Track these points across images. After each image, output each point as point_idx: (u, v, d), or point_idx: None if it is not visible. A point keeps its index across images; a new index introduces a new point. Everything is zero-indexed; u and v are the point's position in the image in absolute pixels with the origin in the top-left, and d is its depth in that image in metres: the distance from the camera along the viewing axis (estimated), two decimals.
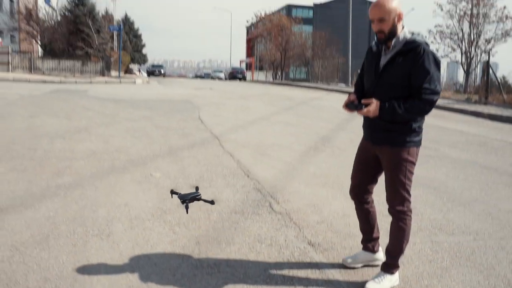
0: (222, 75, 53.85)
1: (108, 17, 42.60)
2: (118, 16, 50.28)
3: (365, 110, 2.52)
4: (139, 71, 59.01)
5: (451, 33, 29.50)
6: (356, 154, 2.91)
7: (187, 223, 3.56)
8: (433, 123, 10.77)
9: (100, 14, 37.28)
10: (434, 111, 9.04)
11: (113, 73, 30.82)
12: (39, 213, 3.64)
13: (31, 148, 6.07)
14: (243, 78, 45.99)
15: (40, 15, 32.05)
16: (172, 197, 3.17)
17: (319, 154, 6.59)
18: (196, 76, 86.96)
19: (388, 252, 2.74)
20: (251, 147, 6.85)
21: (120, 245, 3.11)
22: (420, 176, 5.46)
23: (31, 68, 27.35)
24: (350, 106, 2.61)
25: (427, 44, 2.51)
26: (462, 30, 29.29)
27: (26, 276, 2.60)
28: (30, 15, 31.01)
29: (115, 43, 36.92)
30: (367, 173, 2.84)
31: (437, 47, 29.75)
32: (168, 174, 5.06)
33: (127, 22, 57.33)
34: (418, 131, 2.61)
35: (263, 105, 13.70)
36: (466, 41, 29.37)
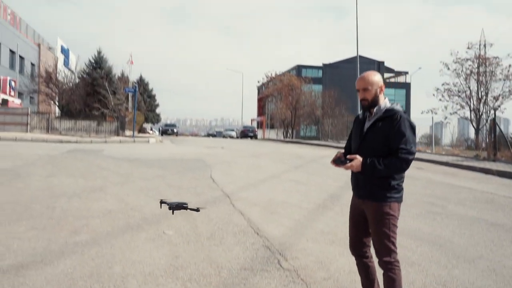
0: (233, 133, 54.70)
1: (124, 78, 44.17)
2: (133, 77, 52.05)
3: (349, 164, 2.90)
4: (152, 130, 60.27)
5: (459, 91, 30.12)
6: (350, 210, 3.21)
7: (198, 279, 3.72)
8: (442, 181, 10.89)
9: (116, 76, 38.76)
10: (443, 169, 9.45)
11: (127, 132, 31.61)
12: (58, 269, 3.83)
13: (49, 207, 6.32)
14: (255, 137, 46.66)
15: (60, 77, 33.38)
16: (161, 207, 3.45)
17: (327, 212, 6.74)
18: (208, 135, 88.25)
19: None
20: (261, 205, 7.03)
21: None
22: (426, 233, 5.59)
23: (49, 128, 28.20)
24: (337, 161, 2.99)
25: (404, 112, 2.95)
26: (469, 88, 29.91)
27: None
28: (50, 78, 32.34)
29: (130, 103, 38.06)
30: (360, 228, 3.10)
31: (445, 104, 30.32)
32: (180, 232, 5.24)
33: (142, 83, 59.21)
34: (398, 188, 2.94)
35: (274, 163, 13.96)
36: (474, 98, 29.92)
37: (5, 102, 33.14)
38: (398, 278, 2.87)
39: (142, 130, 44.31)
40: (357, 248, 3.14)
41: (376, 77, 2.99)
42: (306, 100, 45.54)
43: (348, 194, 8.13)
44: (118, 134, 28.84)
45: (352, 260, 4.26)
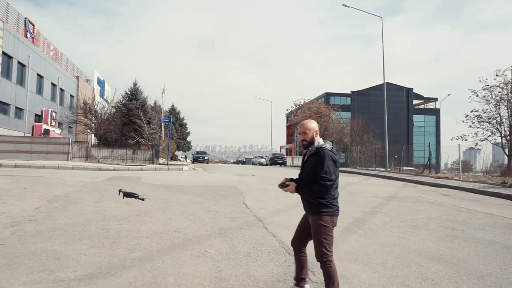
0: (263, 160, 55.45)
1: (156, 108, 45.87)
2: (166, 106, 53.83)
3: (286, 188, 4.07)
4: (183, 157, 61.70)
5: (489, 118, 30.12)
6: (301, 219, 4.32)
7: None
8: (466, 207, 11.29)
9: (149, 106, 40.39)
10: (469, 195, 10.16)
11: (161, 160, 32.81)
12: (122, 279, 4.58)
13: (103, 228, 7.15)
14: (284, 164, 47.27)
15: (97, 108, 35.10)
16: (119, 194, 4.72)
17: (352, 235, 7.34)
18: (238, 162, 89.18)
19: None
20: (291, 229, 7.66)
21: None
22: (444, 254, 6.13)
23: (87, 157, 29.64)
24: (281, 185, 4.15)
25: (330, 149, 3.95)
26: (499, 114, 29.89)
27: None
28: (89, 109, 34.07)
29: (163, 131, 39.48)
30: (302, 231, 4.26)
31: (475, 131, 30.33)
32: (220, 250, 5.95)
33: (173, 112, 61.06)
34: (327, 204, 3.93)
35: None
36: (506, 124, 29.85)
37: (46, 132, 35.01)
38: (333, 271, 3.93)
39: (174, 157, 45.61)
40: (295, 244, 4.33)
41: (312, 125, 4.13)
42: (334, 128, 46.08)
43: (374, 220, 8.73)
44: (152, 162, 30.03)
45: (373, 276, 4.92)
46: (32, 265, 4.99)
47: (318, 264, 5.39)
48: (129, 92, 36.70)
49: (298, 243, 4.32)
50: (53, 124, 37.74)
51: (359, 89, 76.44)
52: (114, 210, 9.04)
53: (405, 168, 29.72)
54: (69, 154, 28.41)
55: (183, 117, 66.15)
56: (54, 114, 37.99)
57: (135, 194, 5.27)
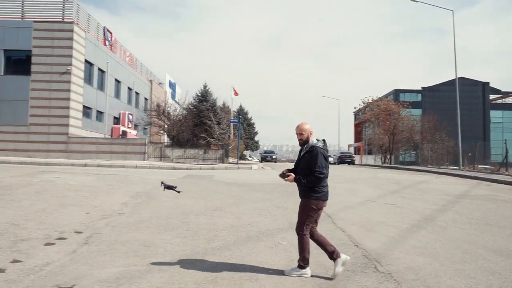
0: (331, 159, 55.12)
1: (225, 108, 47.14)
2: (234, 107, 55.12)
3: (286, 178, 4.90)
4: (250, 156, 62.79)
5: None
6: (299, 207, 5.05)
7: (312, 275, 4.80)
8: None
9: (219, 107, 41.70)
10: None
11: (230, 159, 33.81)
12: (206, 264, 5.13)
13: (184, 221, 7.82)
14: (352, 162, 46.84)
15: (170, 111, 36.78)
16: (161, 185, 6.77)
17: (420, 231, 7.48)
18: None
19: (299, 258, 4.86)
20: (359, 224, 7.95)
21: (266, 284, 4.45)
22: None
23: (161, 157, 31.21)
24: (281, 175, 5.01)
25: (322, 147, 4.80)
26: None
27: None
28: (163, 112, 35.80)
29: (231, 131, 40.58)
30: None
31: None
32: (292, 243, 6.37)
33: (241, 112, 62.35)
34: (317, 190, 4.79)
35: (371, 188, 14.65)
36: None
37: (124, 133, 37.21)
38: (305, 242, 4.85)
39: (242, 157, 46.67)
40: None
41: (307, 126, 4.94)
42: (404, 125, 44.95)
43: (443, 217, 8.77)
44: (223, 161, 31.08)
45: (440, 268, 5.15)
46: (126, 251, 5.68)
47: (385, 256, 5.71)
48: (199, 94, 38.12)
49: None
50: (129, 126, 39.99)
51: (431, 84, 73.81)
52: (191, 205, 9.74)
53: (480, 166, 28.54)
54: (145, 154, 30.09)
55: (251, 117, 67.38)
56: (130, 117, 40.24)
57: (174, 186, 7.17)
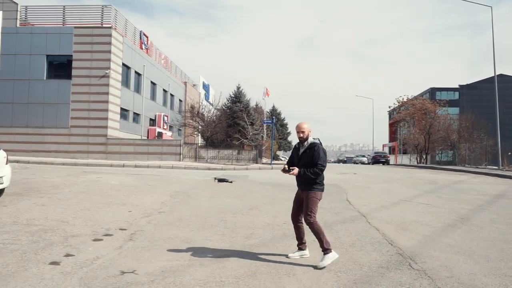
0: (365, 159, 54.77)
1: (258, 109, 47.46)
2: (267, 108, 55.41)
3: (292, 172, 5.36)
4: (283, 157, 62.93)
5: None
6: (294, 197, 5.73)
7: (346, 271, 4.98)
8: None
9: (252, 108, 42.05)
10: None
11: (264, 159, 34.07)
12: (245, 260, 5.38)
13: (222, 220, 8.11)
14: (387, 162, 46.36)
15: (204, 112, 37.39)
16: (214, 180, 8.29)
17: (456, 230, 7.51)
18: (338, 161, 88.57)
19: (320, 245, 5.31)
20: (394, 223, 8.04)
21: (303, 279, 4.65)
22: None
23: (196, 157, 31.78)
24: (284, 170, 5.53)
25: (320, 143, 5.49)
26: None
27: None
28: (197, 113, 36.43)
29: (265, 132, 40.88)
30: (298, 207, 5.64)
31: None
32: None
33: (274, 113, 62.60)
34: (319, 183, 5.42)
35: (406, 188, 14.60)
36: None
37: (160, 134, 38.05)
38: (318, 227, 5.32)
39: (276, 157, 46.88)
40: (295, 218, 5.69)
41: (307, 125, 5.55)
42: (441, 124, 44.11)
43: (479, 217, 8.75)
44: (256, 162, 31.37)
45: (475, 267, 5.23)
46: (169, 247, 6.00)
47: (419, 254, 5.81)
48: (233, 95, 38.60)
49: (297, 217, 5.68)
50: (165, 127, 40.85)
51: (469, 82, 72.02)
52: (228, 205, 10.03)
53: None
54: (181, 155, 30.72)
55: (284, 118, 67.59)
56: (165, 118, 41.10)
57: (226, 179, 7.91)
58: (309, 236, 5.67)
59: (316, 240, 5.38)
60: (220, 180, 7.59)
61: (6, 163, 9.45)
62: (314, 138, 5.60)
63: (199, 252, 5.76)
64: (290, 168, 5.47)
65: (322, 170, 5.34)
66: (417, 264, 5.32)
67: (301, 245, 5.69)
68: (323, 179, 5.51)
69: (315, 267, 5.13)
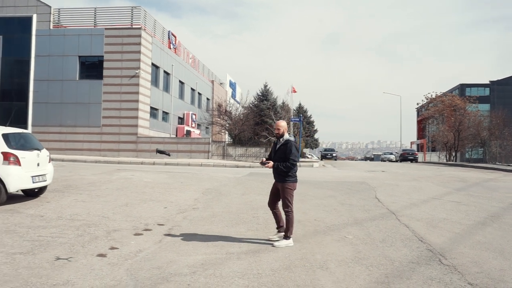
0: (392, 157, 54.18)
1: (285, 107, 47.57)
2: (293, 105, 55.44)
3: (267, 165, 6.12)
4: (310, 154, 62.86)
5: None
6: (271, 188, 6.48)
7: (377, 266, 5.17)
8: None
9: (279, 106, 42.21)
10: None
11: None
12: (279, 254, 5.63)
13: (254, 216, 8.37)
14: (415, 160, 45.80)
15: (232, 111, 37.77)
16: (156, 152, 10.40)
17: (486, 228, 7.58)
18: (365, 158, 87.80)
19: (285, 230, 6.14)
20: (423, 221, 8.15)
21: (336, 272, 4.87)
22: None
23: (224, 155, 32.20)
24: (261, 163, 6.24)
25: (294, 140, 6.21)
26: None
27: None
28: (225, 111, 36.85)
29: (291, 130, 40.95)
30: (274, 196, 6.39)
31: None
32: (357, 236, 6.74)
33: (300, 110, 62.53)
34: (291, 175, 6.13)
35: (435, 186, 14.58)
36: None
37: (188, 133, 38.65)
38: (291, 218, 6.12)
39: (302, 155, 46.91)
40: (272, 205, 6.39)
41: (283, 123, 6.32)
42: (470, 121, 43.33)
43: (511, 215, 8.72)
44: None
45: (504, 263, 5.34)
46: (206, 241, 6.30)
47: (449, 251, 5.95)
48: (260, 94, 38.88)
49: (273, 204, 6.39)
50: (193, 125, 41.43)
51: (500, 78, 70.37)
52: (259, 201, 10.28)
53: None
54: (209, 153, 31.18)
55: (310, 115, 67.33)
56: (193, 117, 41.68)
57: (167, 153, 9.17)
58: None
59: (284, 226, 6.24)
60: (159, 152, 8.54)
61: (49, 162, 9.95)
62: (289, 135, 6.26)
63: (235, 246, 6.04)
64: (266, 161, 6.18)
65: (293, 165, 6.05)
66: (447, 260, 5.46)
67: (279, 228, 6.38)
68: (296, 172, 6.22)
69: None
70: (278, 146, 6.23)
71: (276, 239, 6.23)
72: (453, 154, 43.83)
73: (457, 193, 12.74)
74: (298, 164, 6.13)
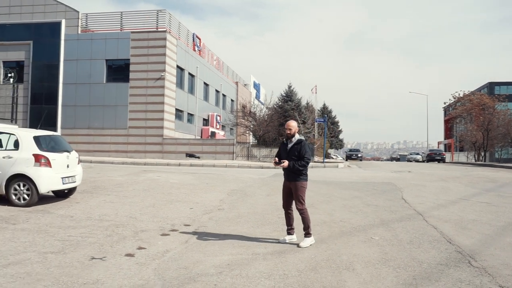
0: (419, 157, 53.35)
1: (309, 108, 47.41)
2: (317, 106, 55.18)
3: (282, 164, 6.12)
4: (334, 155, 62.45)
5: None
6: (282, 188, 6.48)
7: (405, 267, 5.11)
8: None
9: (304, 107, 42.09)
10: None
11: (316, 158, 34.05)
12: (304, 255, 5.62)
13: (279, 217, 8.37)
14: (442, 160, 44.96)
15: (256, 111, 37.85)
16: (186, 156, 9.93)
17: None
18: (391, 159, 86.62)
19: (305, 228, 6.19)
20: (452, 222, 8.01)
21: (362, 273, 4.84)
22: None
23: (248, 156, 32.26)
24: (275, 163, 6.25)
25: (305, 140, 6.55)
26: None
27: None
28: (250, 112, 36.94)
29: (316, 130, 40.84)
30: (287, 196, 6.40)
31: None
32: (384, 237, 6.67)
33: (325, 110, 62.24)
34: (305, 174, 6.22)
35: (464, 186, 14.30)
36: None
37: (213, 134, 38.89)
38: (306, 216, 6.18)
39: (327, 155, 46.66)
40: (287, 206, 6.42)
41: (294, 124, 6.37)
42: (500, 120, 42.26)
43: None
44: None
45: None
46: (232, 242, 6.33)
47: (479, 252, 5.84)
48: (284, 94, 38.82)
49: (288, 205, 6.42)
50: (217, 127, 41.68)
51: None
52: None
53: None
54: (234, 154, 31.29)
55: (335, 115, 67.04)
56: (218, 118, 41.92)
57: (196, 156, 9.19)
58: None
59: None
60: (189, 155, 8.76)
61: (78, 163, 10.17)
62: (300, 135, 6.37)
63: (260, 247, 6.06)
64: (281, 161, 6.20)
65: (308, 163, 6.17)
66: (477, 262, 5.36)
67: (290, 231, 6.45)
68: (307, 171, 6.32)
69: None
70: (290, 146, 6.29)
71: (287, 241, 6.35)
72: (482, 154, 42.86)
73: (486, 193, 12.47)
74: (309, 160, 6.25)
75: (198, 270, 4.93)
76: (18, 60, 33.41)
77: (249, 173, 19.03)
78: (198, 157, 11.73)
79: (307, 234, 6.20)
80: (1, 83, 32.37)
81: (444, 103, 61.33)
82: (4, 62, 33.52)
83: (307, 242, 6.12)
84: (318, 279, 4.69)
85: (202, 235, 6.74)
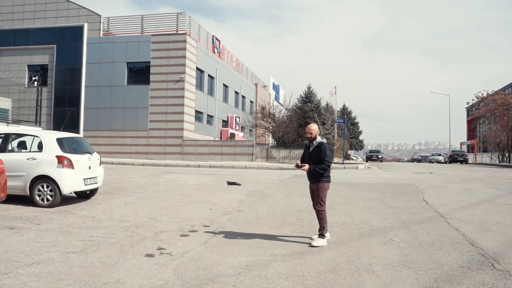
0: (441, 158, 52.56)
1: (329, 109, 47.14)
2: (337, 107, 54.87)
3: (303, 167, 6.28)
4: (354, 156, 61.97)
5: None
6: (310, 191, 6.60)
7: (426, 270, 5.04)
8: None
9: (323, 108, 41.88)
10: None
11: (336, 159, 33.85)
12: (324, 256, 5.59)
13: (298, 218, 8.36)
14: (465, 161, 44.20)
15: (276, 112, 37.85)
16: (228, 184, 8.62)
17: None
18: (412, 160, 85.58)
19: (320, 228, 6.29)
20: (475, 224, 7.87)
21: (382, 275, 4.79)
22: None
23: (267, 157, 32.25)
24: (297, 166, 6.39)
25: (327, 142, 6.40)
26: None
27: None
28: (269, 113, 36.95)
29: (335, 131, 40.55)
30: (313, 196, 6.45)
31: None
32: (404, 239, 6.59)
33: (345, 111, 61.79)
34: (326, 176, 6.31)
35: (487, 188, 14.02)
36: None
37: (232, 135, 39.01)
38: (323, 217, 6.28)
39: (347, 157, 46.32)
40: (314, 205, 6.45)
41: (315, 127, 6.43)
42: None
43: None
44: None
45: None
46: (251, 243, 6.34)
47: (503, 255, 5.74)
48: (303, 95, 38.73)
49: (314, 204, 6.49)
50: (237, 128, 41.84)
51: None
52: (303, 203, 10.25)
53: None
54: (253, 155, 31.34)
55: (355, 116, 66.47)
56: (237, 119, 42.09)
57: (237, 183, 9.01)
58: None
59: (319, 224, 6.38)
60: (231, 183, 8.68)
61: (100, 165, 10.32)
62: (321, 138, 6.46)
63: (279, 248, 6.05)
64: (302, 164, 6.37)
65: (328, 166, 6.25)
66: (500, 265, 5.25)
67: (323, 231, 6.46)
68: (329, 173, 6.40)
69: (398, 266, 5.24)
70: (311, 149, 6.40)
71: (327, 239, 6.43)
72: (506, 155, 41.98)
73: (511, 195, 12.21)
74: (330, 163, 6.32)
75: (217, 271, 4.95)
76: (42, 63, 34.17)
77: (268, 174, 19.03)
78: (239, 184, 12.06)
79: (321, 235, 6.30)
80: (26, 86, 33.08)
81: (467, 103, 60.25)
82: (28, 66, 34.32)
83: (320, 242, 6.20)
84: (337, 280, 4.66)
85: (221, 236, 6.77)
